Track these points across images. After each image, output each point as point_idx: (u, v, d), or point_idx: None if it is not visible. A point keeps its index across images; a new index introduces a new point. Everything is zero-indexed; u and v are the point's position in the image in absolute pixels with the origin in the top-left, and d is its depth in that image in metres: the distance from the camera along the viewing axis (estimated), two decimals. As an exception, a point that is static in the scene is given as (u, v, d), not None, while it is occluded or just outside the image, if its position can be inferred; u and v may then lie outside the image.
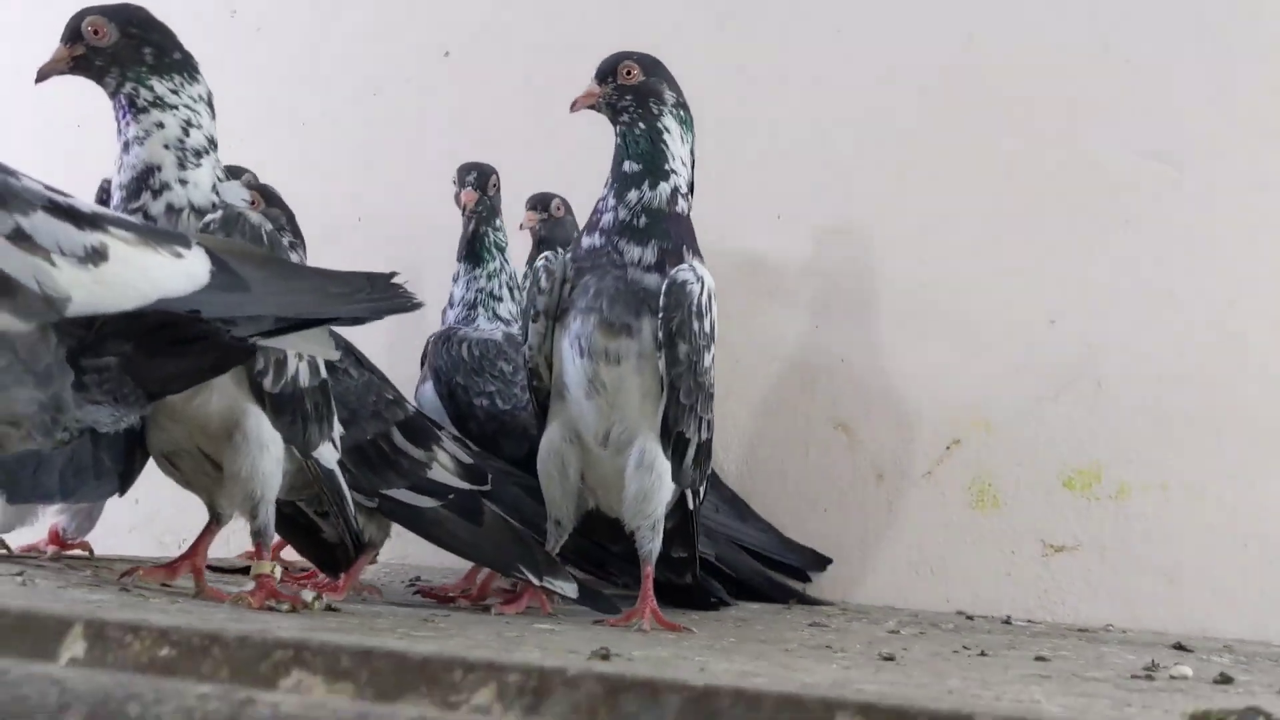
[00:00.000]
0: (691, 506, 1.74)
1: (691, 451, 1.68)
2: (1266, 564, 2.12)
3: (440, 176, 2.57)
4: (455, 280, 2.11)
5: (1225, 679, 1.47)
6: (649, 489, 1.63)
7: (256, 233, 1.42)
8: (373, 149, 2.62)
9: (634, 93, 1.67)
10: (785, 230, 2.36)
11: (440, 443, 1.76)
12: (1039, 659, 1.61)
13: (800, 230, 2.35)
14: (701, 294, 1.62)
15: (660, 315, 1.60)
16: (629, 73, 1.68)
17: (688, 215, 1.68)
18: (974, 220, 2.28)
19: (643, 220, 1.64)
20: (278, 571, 1.41)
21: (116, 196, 1.44)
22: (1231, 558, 2.13)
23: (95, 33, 1.47)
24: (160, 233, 1.27)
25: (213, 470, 1.45)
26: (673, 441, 1.65)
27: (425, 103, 2.60)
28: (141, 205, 1.41)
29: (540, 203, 2.23)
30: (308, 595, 1.38)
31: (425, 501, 1.70)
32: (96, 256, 1.18)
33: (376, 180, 2.63)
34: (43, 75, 1.52)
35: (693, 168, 1.73)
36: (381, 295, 1.27)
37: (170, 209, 1.42)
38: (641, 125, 1.67)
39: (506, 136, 2.54)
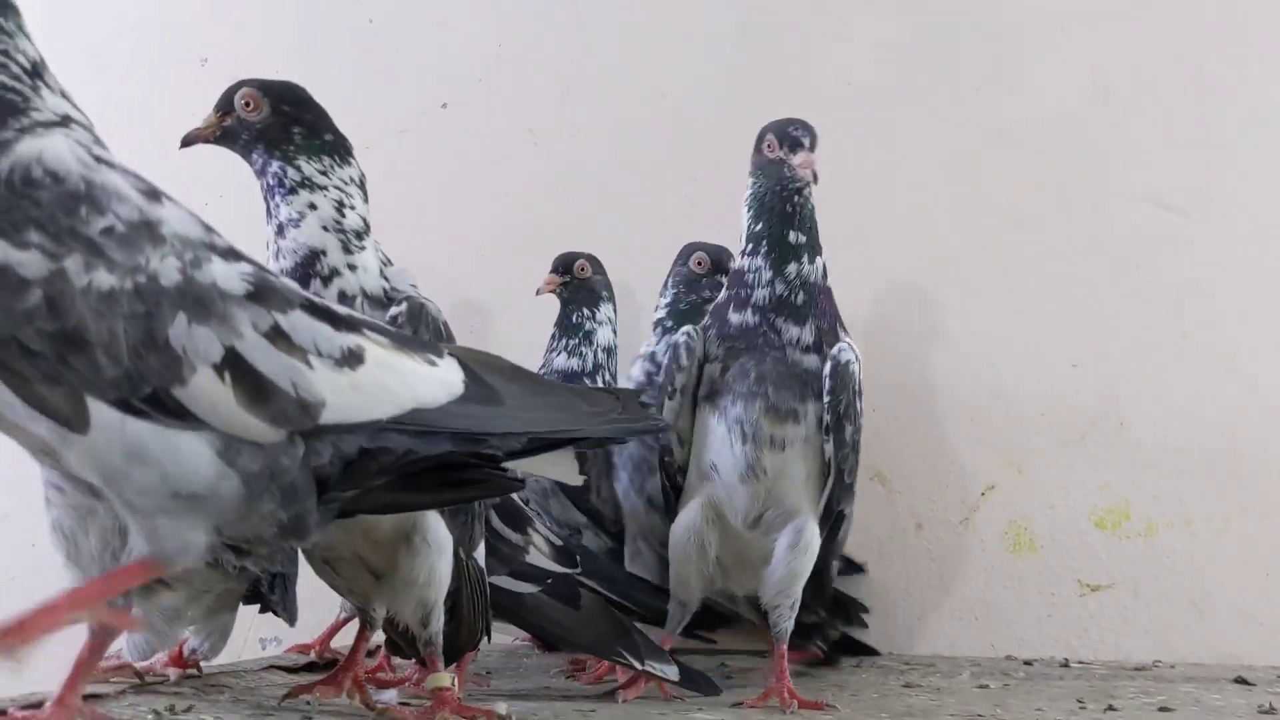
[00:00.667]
0: (832, 574, 1.74)
1: (846, 526, 1.68)
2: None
3: (437, 231, 2.49)
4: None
5: (1365, 719, 1.53)
6: (800, 570, 1.60)
7: (437, 325, 1.33)
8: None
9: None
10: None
11: (534, 525, 1.69)
12: (1164, 709, 1.64)
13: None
14: (860, 373, 1.60)
15: (827, 399, 1.57)
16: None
17: (830, 289, 1.65)
18: (995, 268, 2.33)
19: (800, 296, 1.59)
20: (456, 684, 1.31)
21: (279, 286, 1.32)
22: (1255, 588, 2.23)
23: (248, 105, 1.36)
24: (412, 340, 1.17)
25: (369, 576, 1.34)
26: (833, 519, 1.63)
27: (421, 156, 2.49)
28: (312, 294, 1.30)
29: (563, 264, 2.17)
30: (501, 708, 1.28)
31: (525, 587, 1.62)
32: (353, 359, 1.08)
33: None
34: (188, 141, 1.42)
35: None
36: (633, 416, 1.19)
37: (343, 296, 1.31)
38: (799, 198, 1.61)
39: (508, 189, 2.47)
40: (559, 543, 1.71)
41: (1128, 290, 2.30)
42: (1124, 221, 2.32)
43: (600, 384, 2.12)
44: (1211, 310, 2.26)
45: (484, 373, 1.14)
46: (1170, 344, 2.27)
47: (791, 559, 1.59)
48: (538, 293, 2.16)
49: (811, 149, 1.60)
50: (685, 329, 1.64)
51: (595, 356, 2.13)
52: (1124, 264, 2.32)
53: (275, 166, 1.36)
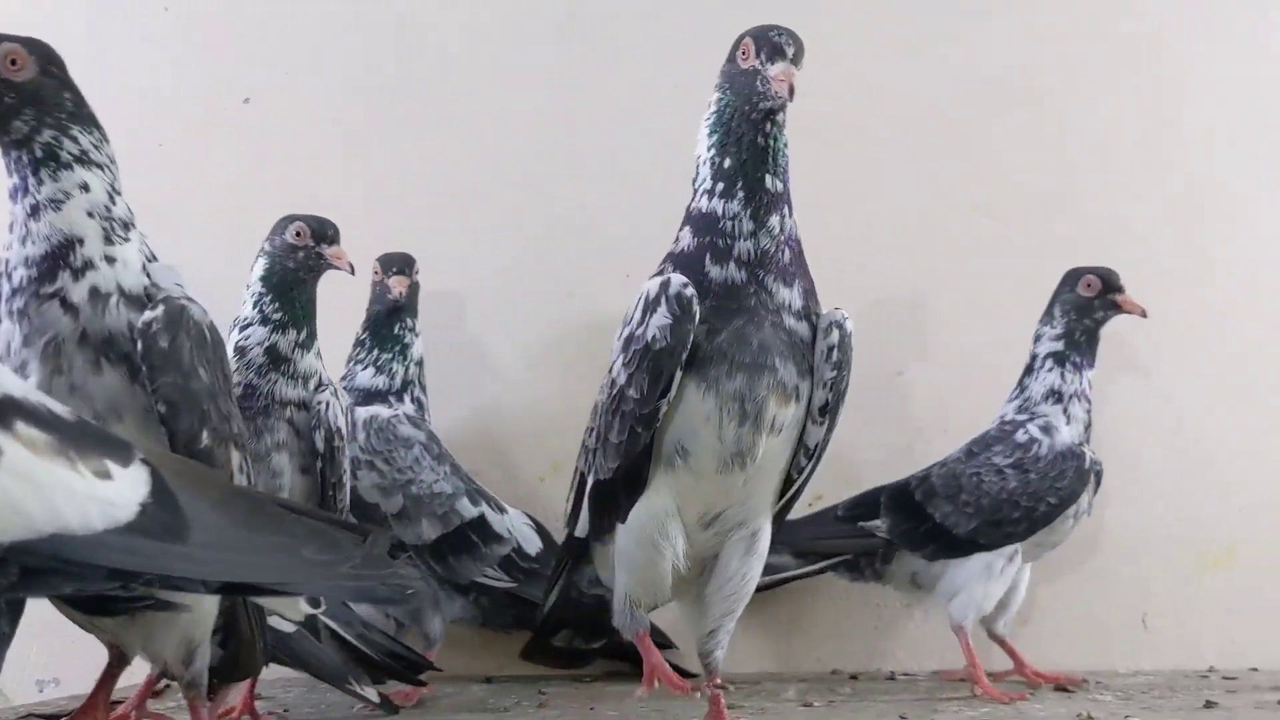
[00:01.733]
0: None
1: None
2: (1105, 596, 2.25)
3: (234, 235, 2.31)
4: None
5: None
6: (752, 582, 1.38)
7: (201, 330, 1.19)
8: (158, 206, 2.30)
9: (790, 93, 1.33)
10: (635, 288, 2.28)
11: None
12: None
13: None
14: None
15: (831, 375, 1.34)
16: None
17: None
18: (825, 276, 2.26)
19: (786, 254, 1.33)
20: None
21: (20, 276, 1.16)
22: (1075, 593, 2.25)
23: (13, 63, 1.18)
24: (94, 438, 0.92)
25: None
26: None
27: (220, 154, 2.32)
28: (59, 289, 1.15)
29: (404, 264, 2.03)
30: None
31: (288, 626, 1.56)
32: None
33: (163, 241, 2.31)
34: None
35: None
36: (373, 574, 0.94)
37: (95, 294, 1.16)
38: (784, 135, 1.35)
39: (316, 190, 2.31)
40: None
41: (954, 297, 2.30)
42: (952, 230, 2.32)
43: (410, 400, 1.99)
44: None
45: (183, 493, 0.91)
46: (994, 351, 2.26)
47: (746, 568, 1.36)
48: (391, 297, 1.99)
49: (794, 62, 1.32)
50: (674, 277, 1.32)
51: (407, 372, 2.00)
52: (950, 272, 2.31)
53: (48, 135, 1.19)
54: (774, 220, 1.33)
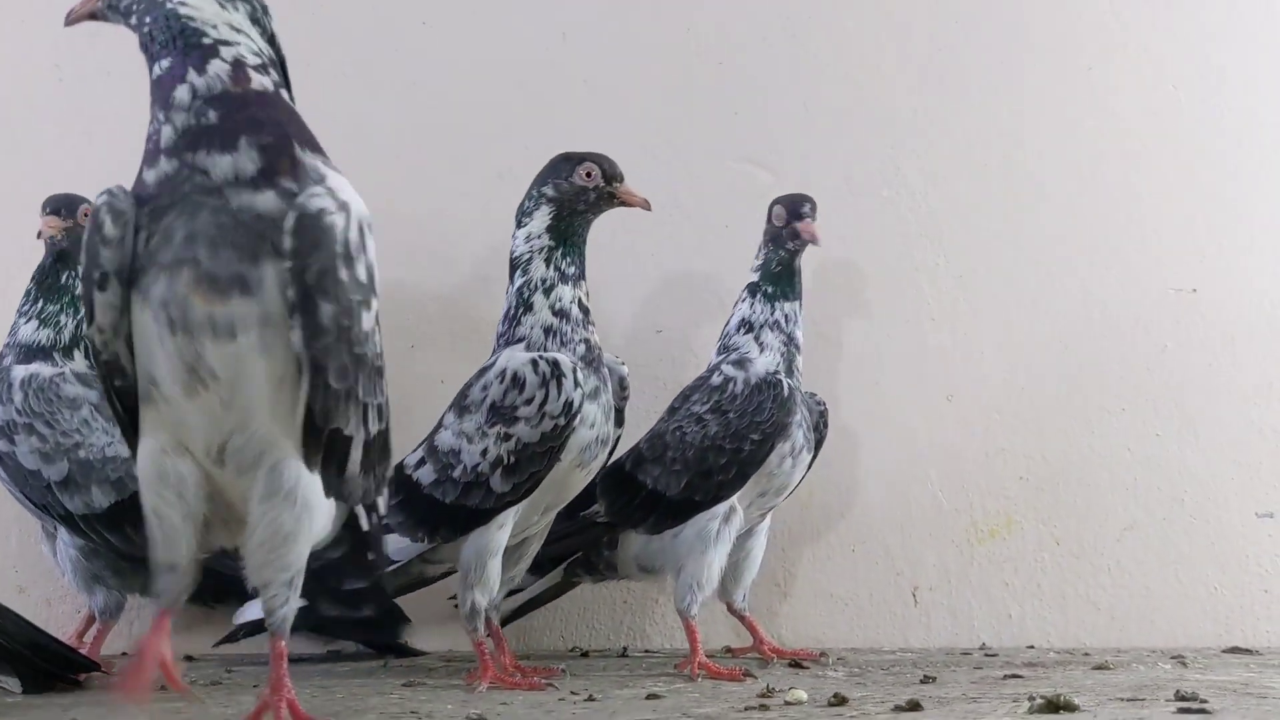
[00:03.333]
0: (366, 526, 1.34)
1: (357, 454, 1.22)
2: (874, 569, 2.12)
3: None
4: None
5: (840, 700, 1.38)
6: (287, 529, 1.18)
7: None
8: None
9: None
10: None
11: None
12: (651, 696, 1.48)
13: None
14: (349, 226, 1.15)
15: (290, 263, 1.12)
16: None
17: (281, 96, 1.21)
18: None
19: (213, 114, 1.15)
20: None
21: None
22: (841, 565, 2.12)
23: None
24: None
25: None
26: (324, 445, 1.18)
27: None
28: None
29: (65, 206, 1.84)
30: None
31: None
32: None
33: None
34: None
35: (273, 42, 1.24)
36: None
37: None
38: (149, 17, 1.22)
39: (26, 136, 2.16)
40: None
41: (718, 250, 2.16)
42: (717, 181, 2.20)
43: (83, 356, 1.82)
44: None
45: None
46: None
47: (271, 512, 1.18)
48: (42, 239, 1.85)
49: None
50: (108, 190, 1.18)
51: (78, 326, 1.80)
52: (715, 223, 2.18)
53: None
54: (179, 93, 1.18)
